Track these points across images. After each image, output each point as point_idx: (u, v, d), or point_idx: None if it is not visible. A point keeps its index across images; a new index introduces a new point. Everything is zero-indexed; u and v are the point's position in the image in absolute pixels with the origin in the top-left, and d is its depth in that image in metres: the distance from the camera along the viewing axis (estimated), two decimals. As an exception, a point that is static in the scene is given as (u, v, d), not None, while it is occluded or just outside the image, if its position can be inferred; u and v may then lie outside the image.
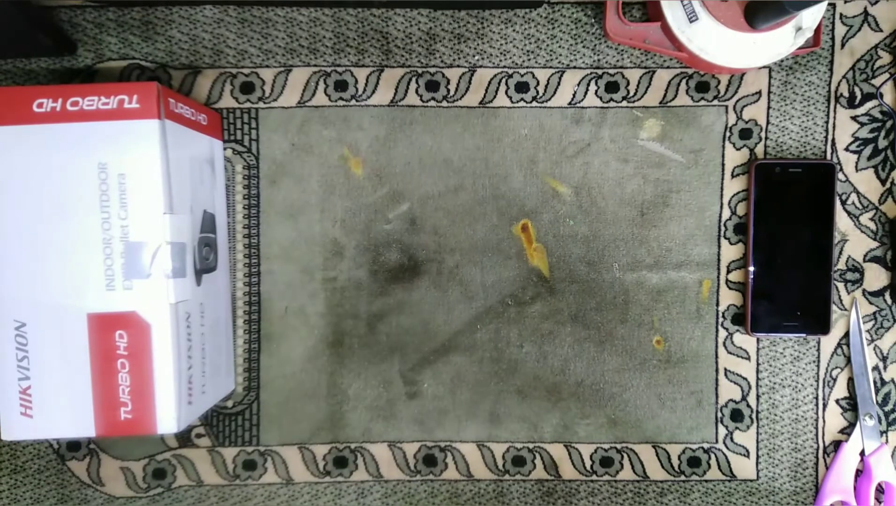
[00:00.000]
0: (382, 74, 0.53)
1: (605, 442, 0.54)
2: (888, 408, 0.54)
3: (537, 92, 0.53)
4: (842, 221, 0.53)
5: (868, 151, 0.53)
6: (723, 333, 0.54)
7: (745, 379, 0.54)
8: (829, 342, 0.54)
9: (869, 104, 0.53)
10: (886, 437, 0.54)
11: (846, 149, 0.53)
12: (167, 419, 0.43)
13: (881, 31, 0.52)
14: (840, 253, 0.53)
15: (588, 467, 0.54)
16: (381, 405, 0.54)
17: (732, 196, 0.53)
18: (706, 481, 0.54)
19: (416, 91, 0.53)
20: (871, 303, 0.54)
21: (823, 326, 0.53)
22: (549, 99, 0.53)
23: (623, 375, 0.54)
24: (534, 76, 0.53)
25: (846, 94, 0.53)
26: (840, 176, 0.53)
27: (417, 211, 0.53)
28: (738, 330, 0.54)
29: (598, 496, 0.54)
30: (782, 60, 0.52)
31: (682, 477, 0.54)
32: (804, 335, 0.53)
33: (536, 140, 0.53)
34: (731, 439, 0.54)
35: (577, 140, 0.53)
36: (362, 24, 0.52)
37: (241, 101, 0.53)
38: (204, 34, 0.52)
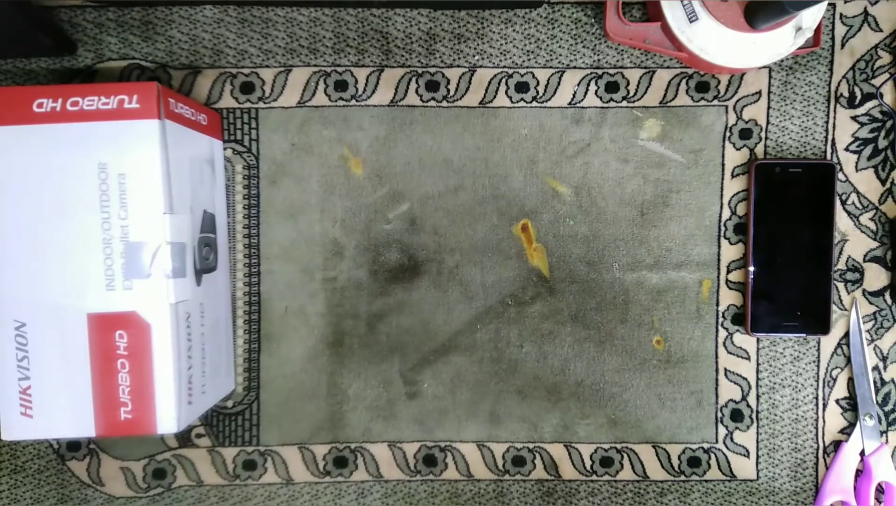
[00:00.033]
0: (382, 74, 0.53)
1: (605, 442, 0.54)
2: (888, 408, 0.54)
3: (537, 92, 0.53)
4: (842, 221, 0.53)
5: (868, 151, 0.53)
6: (723, 333, 0.54)
7: (745, 379, 0.54)
8: (829, 342, 0.54)
9: (869, 104, 0.53)
10: (886, 437, 0.54)
11: (846, 149, 0.53)
12: (167, 419, 0.43)
13: (881, 31, 0.52)
14: (840, 253, 0.53)
15: (588, 467, 0.54)
16: (381, 405, 0.54)
17: (732, 196, 0.53)
18: (706, 481, 0.54)
19: (416, 91, 0.53)
20: (871, 303, 0.54)
21: (823, 326, 0.53)
22: (549, 99, 0.53)
23: (623, 376, 0.54)
24: (534, 76, 0.53)
25: (846, 94, 0.53)
26: (840, 176, 0.53)
27: (417, 211, 0.53)
28: (738, 330, 0.54)
29: (598, 496, 0.54)
30: (782, 60, 0.52)
31: (682, 477, 0.54)
32: (804, 335, 0.53)
33: (536, 140, 0.53)
34: (731, 439, 0.54)
35: (577, 140, 0.53)
36: (362, 24, 0.52)
37: (241, 101, 0.53)
38: (204, 34, 0.52)
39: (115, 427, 0.43)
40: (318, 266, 0.53)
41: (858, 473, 0.54)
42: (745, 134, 0.53)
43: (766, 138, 0.53)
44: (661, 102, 0.53)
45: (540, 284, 0.54)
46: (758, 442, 0.54)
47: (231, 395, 0.53)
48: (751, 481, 0.54)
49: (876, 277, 0.53)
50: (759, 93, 0.53)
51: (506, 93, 0.53)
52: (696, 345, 0.54)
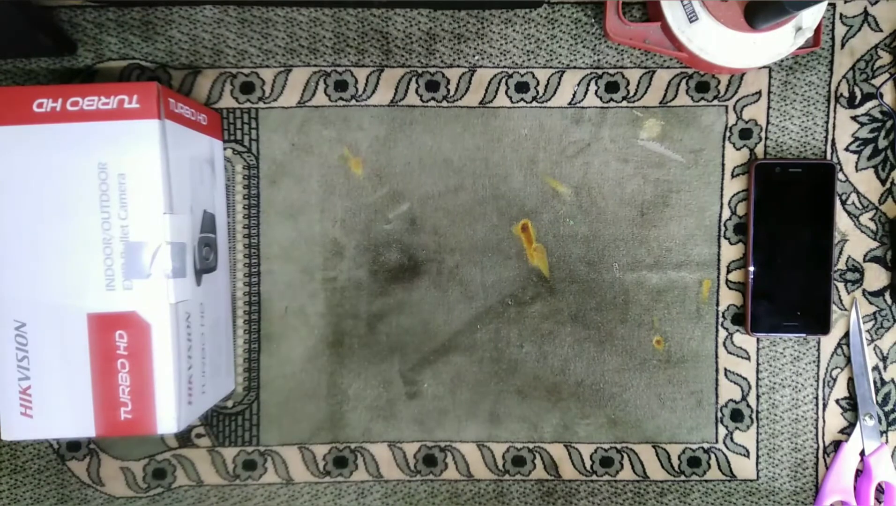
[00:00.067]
0: (382, 74, 0.53)
1: (605, 442, 0.54)
2: (888, 408, 0.54)
3: (537, 92, 0.53)
4: (842, 221, 0.53)
5: (868, 151, 0.53)
6: (723, 333, 0.54)
7: (745, 379, 0.54)
8: (829, 342, 0.54)
9: (869, 104, 0.53)
10: (886, 437, 0.54)
11: (846, 149, 0.53)
12: (167, 419, 0.43)
13: (881, 31, 0.52)
14: (840, 253, 0.53)
15: (588, 467, 0.54)
16: (381, 405, 0.54)
17: (732, 196, 0.53)
18: (706, 481, 0.54)
19: (416, 91, 0.53)
20: (871, 303, 0.54)
21: (823, 326, 0.53)
22: (549, 99, 0.53)
23: (623, 376, 0.54)
24: (534, 76, 0.53)
25: (846, 94, 0.53)
26: (840, 176, 0.53)
27: (417, 211, 0.53)
28: (738, 330, 0.54)
29: (598, 496, 0.54)
30: (782, 60, 0.52)
31: (682, 477, 0.54)
32: (804, 335, 0.53)
33: (536, 140, 0.53)
34: (731, 439, 0.54)
35: (577, 140, 0.53)
36: (362, 24, 0.52)
37: (241, 101, 0.53)
38: (204, 34, 0.52)
39: (115, 427, 0.43)
40: (318, 266, 0.53)
41: (858, 473, 0.54)
42: (745, 134, 0.53)
43: (766, 138, 0.53)
44: (661, 102, 0.53)
45: (540, 284, 0.54)
46: (758, 442, 0.54)
47: (231, 395, 0.53)
48: (751, 481, 0.54)
49: (876, 277, 0.53)
50: (759, 93, 0.53)
51: (506, 93, 0.53)
52: (696, 345, 0.54)
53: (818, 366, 0.54)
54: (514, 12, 0.52)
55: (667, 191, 0.53)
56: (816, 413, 0.54)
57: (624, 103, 0.53)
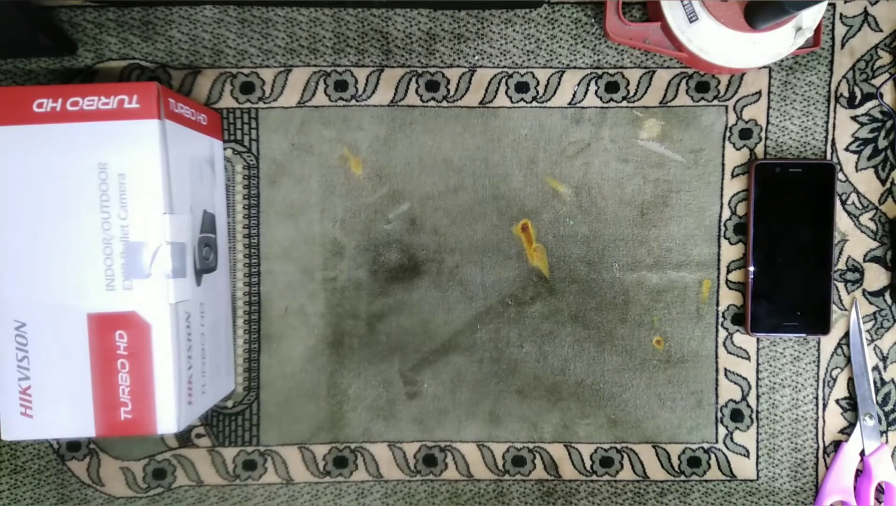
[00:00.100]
0: (382, 74, 0.53)
1: (605, 442, 0.54)
2: (888, 408, 0.54)
3: (537, 92, 0.53)
4: (842, 221, 0.53)
5: (868, 151, 0.53)
6: (723, 333, 0.54)
7: (745, 379, 0.54)
8: (829, 342, 0.54)
9: (869, 104, 0.53)
10: (886, 437, 0.54)
11: (846, 149, 0.53)
12: (167, 419, 0.43)
13: (881, 31, 0.52)
14: (840, 253, 0.53)
15: (588, 467, 0.54)
16: (381, 405, 0.54)
17: (732, 196, 0.53)
18: (706, 481, 0.54)
19: (416, 91, 0.53)
20: (871, 303, 0.54)
21: (823, 326, 0.53)
22: (549, 99, 0.53)
23: (623, 376, 0.54)
24: (534, 76, 0.53)
25: (846, 94, 0.53)
26: (840, 176, 0.53)
27: (417, 211, 0.53)
28: (738, 330, 0.54)
29: (598, 496, 0.54)
30: (782, 60, 0.52)
31: (682, 477, 0.54)
32: (804, 335, 0.53)
33: (536, 140, 0.53)
34: (731, 439, 0.54)
35: (577, 140, 0.53)
36: (362, 24, 0.52)
37: (241, 101, 0.53)
38: (204, 34, 0.52)
39: (115, 427, 0.43)
40: (318, 266, 0.53)
41: (858, 473, 0.54)
42: (745, 134, 0.53)
43: (766, 138, 0.53)
44: (661, 102, 0.53)
45: (540, 284, 0.54)
46: (758, 442, 0.54)
47: (231, 395, 0.53)
48: (751, 481, 0.54)
49: (876, 277, 0.53)
50: (759, 93, 0.53)
51: (506, 93, 0.53)
52: (696, 345, 0.54)
53: (818, 366, 0.54)
54: (514, 12, 0.52)
55: (667, 191, 0.53)
56: (816, 413, 0.54)
57: (624, 103, 0.53)
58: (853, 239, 0.53)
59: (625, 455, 0.54)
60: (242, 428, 0.54)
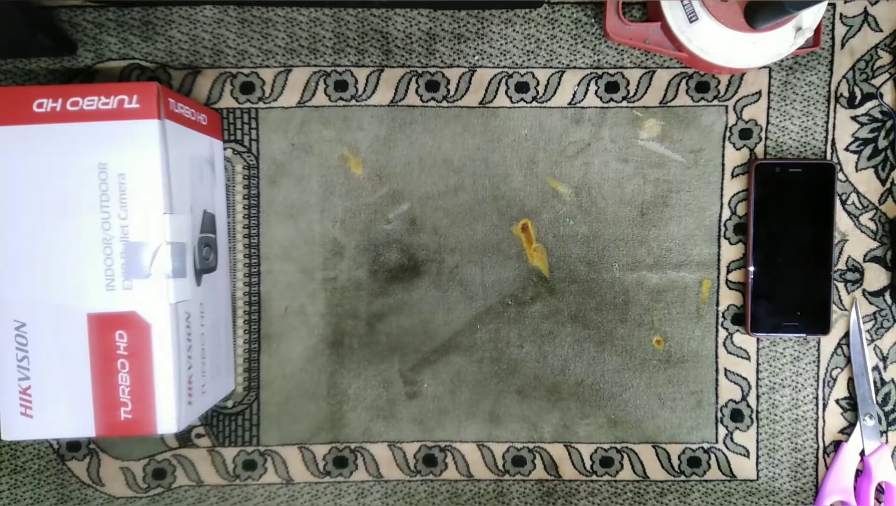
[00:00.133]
0: (382, 74, 0.53)
1: (605, 442, 0.54)
2: (888, 408, 0.54)
3: (537, 92, 0.53)
4: (842, 221, 0.53)
5: (868, 151, 0.53)
6: (723, 333, 0.54)
7: (745, 379, 0.54)
8: (829, 342, 0.54)
9: (869, 104, 0.53)
10: (886, 437, 0.54)
11: (846, 149, 0.53)
12: (167, 419, 0.43)
13: (881, 31, 0.52)
14: (840, 253, 0.53)
15: (588, 467, 0.54)
16: (381, 405, 0.54)
17: (732, 196, 0.53)
18: (706, 481, 0.54)
19: (416, 91, 0.53)
20: (871, 303, 0.54)
21: (823, 326, 0.53)
22: (549, 99, 0.53)
23: (623, 376, 0.54)
24: (534, 76, 0.53)
25: (846, 94, 0.53)
26: (840, 176, 0.53)
27: (417, 211, 0.53)
28: (738, 330, 0.54)
29: (598, 496, 0.54)
30: (782, 60, 0.52)
31: (682, 477, 0.54)
32: (804, 335, 0.53)
33: (536, 140, 0.53)
34: (731, 439, 0.54)
35: (577, 140, 0.53)
36: (362, 24, 0.52)
37: (241, 101, 0.53)
38: (204, 34, 0.52)
39: (115, 427, 0.43)
40: (318, 266, 0.53)
41: (858, 473, 0.54)
42: (745, 134, 0.53)
43: (766, 138, 0.53)
44: (661, 102, 0.53)
45: (540, 284, 0.54)
46: (758, 442, 0.54)
47: (231, 395, 0.53)
48: (751, 481, 0.54)
49: (876, 277, 0.53)
50: (759, 93, 0.53)
51: (506, 93, 0.53)
52: (696, 345, 0.54)
53: (818, 366, 0.54)
54: (514, 12, 0.52)
55: (667, 191, 0.53)
56: (816, 413, 0.54)
57: (624, 103, 0.53)
58: (853, 239, 0.53)
59: (625, 455, 0.54)
60: (242, 428, 0.54)
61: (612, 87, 0.53)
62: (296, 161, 0.53)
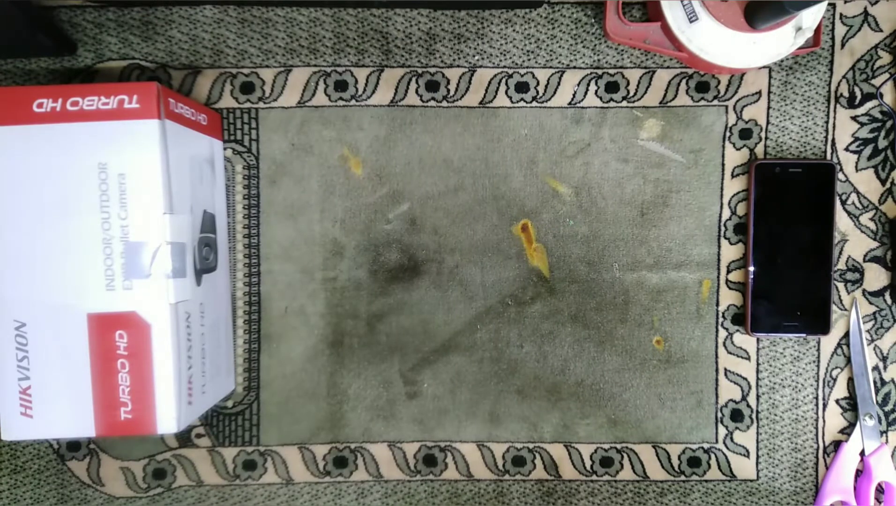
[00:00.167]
0: (382, 74, 0.53)
1: (605, 442, 0.54)
2: (888, 408, 0.54)
3: (537, 92, 0.53)
4: (842, 221, 0.53)
5: (868, 151, 0.53)
6: (723, 333, 0.54)
7: (745, 379, 0.54)
8: (829, 342, 0.54)
9: (869, 104, 0.53)
10: (886, 437, 0.54)
11: (846, 149, 0.53)
12: (167, 419, 0.43)
13: (881, 31, 0.52)
14: (840, 253, 0.53)
15: (588, 467, 0.54)
16: (381, 405, 0.54)
17: (732, 196, 0.53)
18: (706, 481, 0.54)
19: (416, 91, 0.53)
20: (871, 303, 0.54)
21: (823, 326, 0.53)
22: (549, 99, 0.53)
23: (623, 376, 0.54)
24: (534, 76, 0.53)
25: (846, 94, 0.53)
26: (840, 176, 0.53)
27: (417, 211, 0.53)
28: (738, 330, 0.54)
29: (598, 496, 0.54)
30: (782, 60, 0.52)
31: (682, 477, 0.54)
32: (804, 335, 0.53)
33: (536, 140, 0.53)
34: (731, 439, 0.54)
35: (577, 140, 0.53)
36: (362, 24, 0.52)
37: (241, 101, 0.53)
38: (204, 34, 0.52)
39: (115, 427, 0.43)
40: (318, 266, 0.53)
41: (858, 473, 0.54)
42: (745, 134, 0.53)
43: (766, 138, 0.53)
44: (661, 102, 0.53)
45: (540, 284, 0.54)
46: (758, 442, 0.54)
47: (231, 395, 0.53)
48: (751, 481, 0.54)
49: (876, 277, 0.53)
50: (759, 93, 0.53)
51: (506, 93, 0.53)
52: (696, 345, 0.54)
53: (818, 366, 0.54)
54: (514, 12, 0.52)
55: (667, 191, 0.53)
56: (816, 413, 0.54)
57: (624, 103, 0.53)
58: (853, 239, 0.53)
59: (625, 455, 0.54)
60: (242, 428, 0.54)
61: (612, 87, 0.53)
62: (296, 161, 0.53)
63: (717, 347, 0.54)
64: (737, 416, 0.54)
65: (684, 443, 0.54)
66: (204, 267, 0.47)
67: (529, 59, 0.53)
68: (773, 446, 0.54)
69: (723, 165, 0.53)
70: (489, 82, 0.53)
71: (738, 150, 0.53)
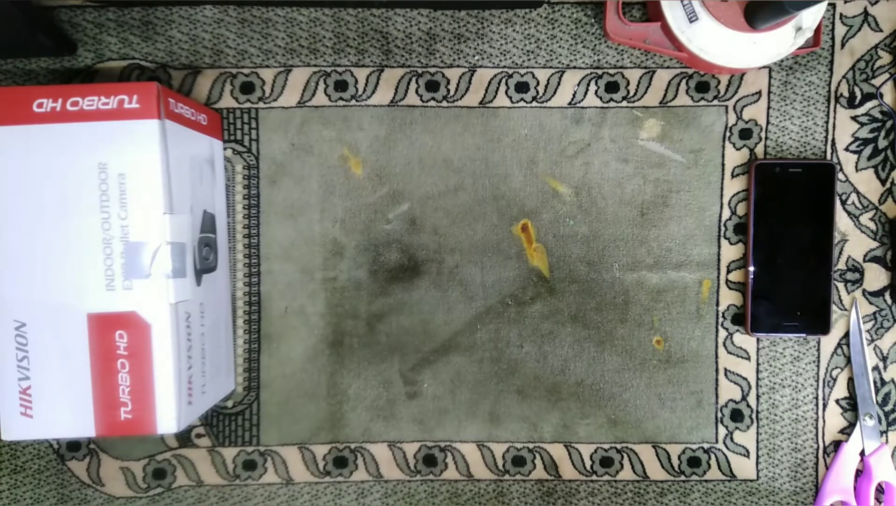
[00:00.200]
0: (382, 74, 0.53)
1: (605, 442, 0.54)
2: (888, 408, 0.54)
3: (537, 92, 0.53)
4: (842, 221, 0.53)
5: (868, 151, 0.53)
6: (723, 333, 0.54)
7: (745, 379, 0.54)
8: (829, 342, 0.54)
9: (869, 104, 0.53)
10: (886, 437, 0.54)
11: (846, 149, 0.53)
12: (167, 419, 0.43)
13: (881, 31, 0.52)
14: (840, 253, 0.53)
15: (588, 467, 0.54)
16: (381, 405, 0.54)
17: (732, 196, 0.53)
18: (706, 481, 0.54)
19: (416, 91, 0.53)
20: (871, 303, 0.54)
21: (823, 326, 0.53)
22: (549, 99, 0.53)
23: (623, 376, 0.54)
24: (534, 76, 0.53)
25: (846, 94, 0.53)
26: (840, 176, 0.53)
27: (417, 211, 0.53)
28: (738, 330, 0.54)
29: (598, 496, 0.54)
30: (782, 60, 0.52)
31: (682, 477, 0.54)
32: (804, 335, 0.53)
33: (536, 140, 0.53)
34: (731, 439, 0.54)
35: (577, 140, 0.53)
36: (362, 24, 0.52)
37: (241, 101, 0.53)
38: (204, 34, 0.52)
39: (115, 427, 0.43)
40: (318, 266, 0.53)
41: (858, 473, 0.54)
42: (745, 134, 0.53)
43: (766, 138, 0.53)
44: (661, 102, 0.53)
45: (540, 284, 0.54)
46: (758, 442, 0.54)
47: (231, 395, 0.53)
48: (751, 481, 0.54)
49: (876, 277, 0.53)
50: (759, 93, 0.53)
51: (506, 93, 0.53)
52: (696, 345, 0.54)
53: (818, 366, 0.54)
54: (514, 12, 0.52)
55: (667, 191, 0.53)
56: (816, 413, 0.54)
57: (624, 103, 0.53)
58: (853, 239, 0.53)
59: (625, 455, 0.54)
60: (242, 428, 0.54)
61: (612, 87, 0.53)
62: (296, 161, 0.53)
63: (717, 347, 0.54)
64: (737, 416, 0.54)
65: (684, 443, 0.54)
66: (204, 267, 0.47)
67: (529, 59, 0.53)
68: (773, 446, 0.54)
69: (723, 165, 0.53)
70: (489, 82, 0.53)
71: (738, 150, 0.53)
